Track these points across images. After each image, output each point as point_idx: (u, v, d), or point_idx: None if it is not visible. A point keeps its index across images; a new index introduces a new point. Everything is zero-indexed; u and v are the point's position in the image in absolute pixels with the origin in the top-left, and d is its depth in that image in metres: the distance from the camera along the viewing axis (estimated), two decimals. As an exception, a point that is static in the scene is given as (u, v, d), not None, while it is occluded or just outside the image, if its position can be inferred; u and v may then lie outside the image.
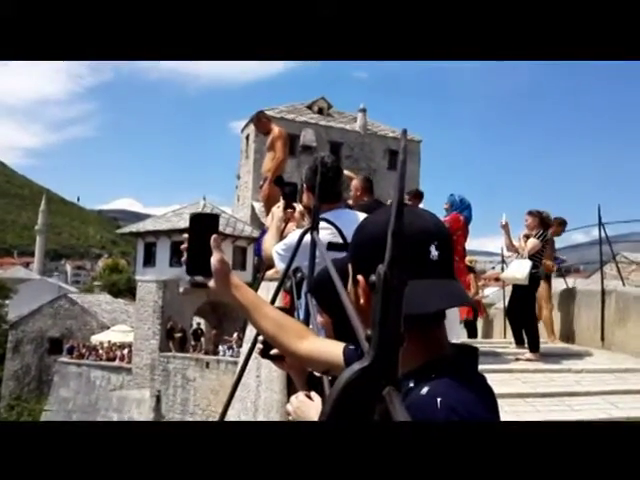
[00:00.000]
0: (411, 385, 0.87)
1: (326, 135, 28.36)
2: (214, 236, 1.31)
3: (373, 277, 0.61)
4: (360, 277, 0.94)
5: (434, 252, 0.91)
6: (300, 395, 1.51)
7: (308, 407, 1.42)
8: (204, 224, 1.36)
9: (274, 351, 1.61)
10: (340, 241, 2.22)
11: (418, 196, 6.27)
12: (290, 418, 1.54)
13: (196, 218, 1.39)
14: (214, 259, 1.29)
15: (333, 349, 1.29)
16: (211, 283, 1.31)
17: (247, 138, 28.58)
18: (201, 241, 1.31)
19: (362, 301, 0.94)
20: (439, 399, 0.81)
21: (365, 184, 4.62)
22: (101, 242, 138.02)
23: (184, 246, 1.35)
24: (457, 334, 5.50)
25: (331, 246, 1.58)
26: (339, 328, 1.47)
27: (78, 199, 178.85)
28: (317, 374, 1.56)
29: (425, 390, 0.84)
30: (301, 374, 1.69)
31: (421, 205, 6.11)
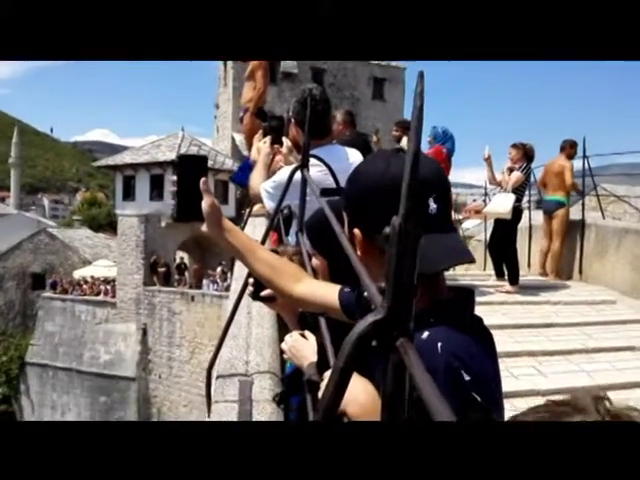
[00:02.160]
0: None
1: (308, 60, 27.40)
2: (203, 179, 1.28)
3: (387, 229, 0.60)
4: (357, 231, 0.93)
5: (433, 205, 0.88)
6: (294, 334, 1.53)
7: (302, 345, 1.45)
8: (192, 166, 1.33)
9: (265, 292, 1.62)
10: (330, 179, 2.19)
11: (407, 127, 6.15)
12: (285, 357, 1.57)
13: (183, 160, 1.35)
14: (205, 203, 1.27)
15: (328, 291, 1.29)
16: (203, 227, 1.29)
17: (225, 64, 27.47)
18: (190, 184, 1.28)
19: (359, 253, 0.93)
20: (439, 344, 0.82)
21: (347, 117, 4.61)
22: (77, 175, 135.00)
23: (173, 189, 1.32)
24: None
25: (324, 192, 1.56)
26: (334, 271, 1.47)
27: (51, 130, 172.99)
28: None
29: (425, 335, 0.84)
30: (292, 314, 1.71)
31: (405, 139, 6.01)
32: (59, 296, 24.35)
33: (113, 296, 22.22)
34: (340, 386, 0.61)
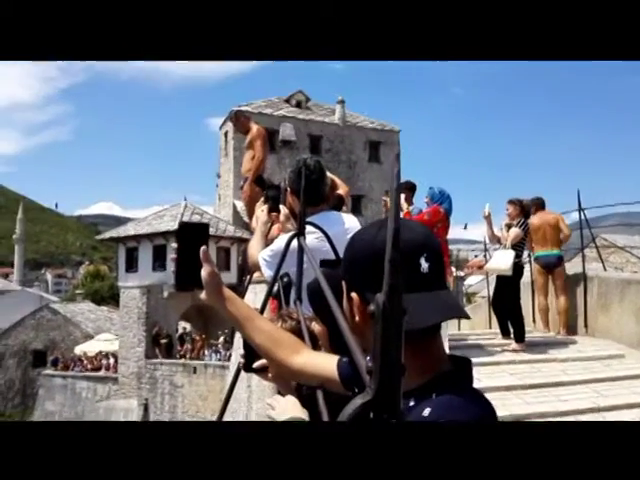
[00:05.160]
0: (411, 404, 0.86)
1: (305, 129, 28.26)
2: (203, 248, 1.28)
3: (372, 307, 0.60)
4: (354, 295, 0.93)
5: (424, 264, 0.90)
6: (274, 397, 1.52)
7: (282, 403, 1.43)
8: (193, 234, 1.33)
9: (257, 364, 1.60)
10: (327, 246, 2.21)
11: (411, 188, 6.23)
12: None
13: (185, 228, 1.36)
14: (204, 272, 1.26)
15: (327, 363, 1.27)
16: (202, 295, 1.29)
17: (225, 135, 28.36)
18: (191, 251, 1.28)
19: (357, 319, 0.93)
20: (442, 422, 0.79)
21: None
22: (81, 249, 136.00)
23: (173, 256, 1.32)
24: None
25: (323, 263, 1.57)
26: (335, 338, 1.46)
27: (56, 205, 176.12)
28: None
29: (427, 412, 0.82)
30: (288, 385, 1.68)
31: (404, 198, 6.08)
32: (60, 373, 23.87)
33: (115, 371, 21.77)
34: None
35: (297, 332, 1.58)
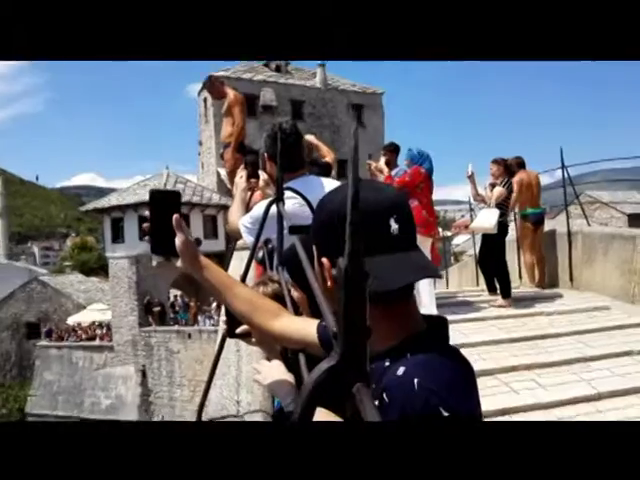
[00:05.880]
0: (387, 364, 0.86)
1: (286, 93, 27.77)
2: (175, 216, 1.25)
3: (334, 271, 0.59)
4: (324, 259, 0.92)
5: (394, 226, 0.89)
6: (260, 362, 1.53)
7: (268, 369, 1.45)
8: (165, 201, 1.29)
9: (240, 329, 1.60)
10: (307, 211, 2.19)
11: (394, 150, 6.14)
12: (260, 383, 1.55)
13: (156, 195, 1.31)
14: (178, 241, 1.23)
15: (307, 326, 1.27)
16: (178, 263, 1.27)
17: (205, 101, 27.82)
18: (163, 219, 1.25)
19: (329, 283, 0.92)
20: (416, 380, 0.79)
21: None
22: (66, 221, 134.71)
23: (146, 225, 1.29)
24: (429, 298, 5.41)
25: (293, 229, 1.55)
26: (313, 303, 1.46)
27: (37, 178, 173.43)
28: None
29: (401, 371, 0.82)
30: (273, 349, 1.69)
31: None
32: (55, 344, 24.00)
33: (110, 340, 21.93)
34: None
35: (279, 296, 1.58)
